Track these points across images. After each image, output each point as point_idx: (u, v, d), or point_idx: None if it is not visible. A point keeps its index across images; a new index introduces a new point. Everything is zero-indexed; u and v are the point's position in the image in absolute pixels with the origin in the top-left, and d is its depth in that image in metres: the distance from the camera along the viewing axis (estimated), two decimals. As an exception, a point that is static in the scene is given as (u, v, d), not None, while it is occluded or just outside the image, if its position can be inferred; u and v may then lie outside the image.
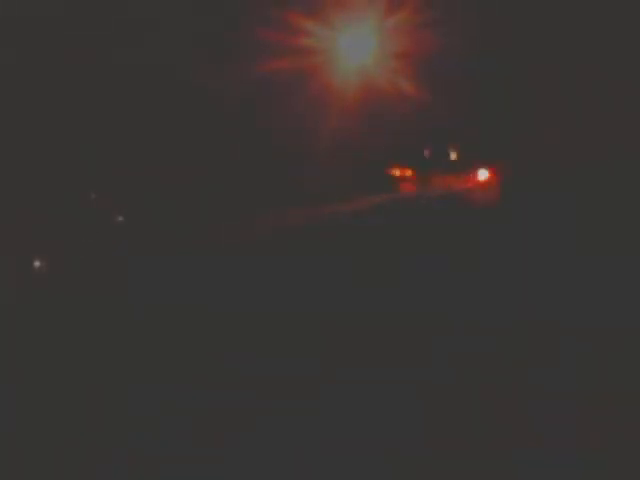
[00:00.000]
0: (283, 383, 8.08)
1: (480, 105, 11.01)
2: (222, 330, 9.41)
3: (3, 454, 7.02)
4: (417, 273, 10.24)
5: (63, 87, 10.86)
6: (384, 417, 7.37)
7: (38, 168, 10.82)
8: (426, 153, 11.97)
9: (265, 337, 9.22)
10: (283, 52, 10.46)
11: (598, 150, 10.73)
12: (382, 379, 8.06)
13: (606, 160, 10.72)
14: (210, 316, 9.66)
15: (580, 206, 10.57)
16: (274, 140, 11.16)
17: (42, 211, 10.66)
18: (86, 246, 10.75)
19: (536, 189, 10.90)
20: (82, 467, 6.84)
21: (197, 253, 10.82)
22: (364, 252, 10.74)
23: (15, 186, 10.71)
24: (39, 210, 10.64)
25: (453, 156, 11.95)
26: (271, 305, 9.90)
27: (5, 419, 7.57)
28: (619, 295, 9.38)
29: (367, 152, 11.34)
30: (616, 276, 9.69)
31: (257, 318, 9.58)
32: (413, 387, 7.85)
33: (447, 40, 10.53)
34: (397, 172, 11.97)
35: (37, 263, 10.72)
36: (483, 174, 11.74)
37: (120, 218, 11.22)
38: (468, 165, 11.83)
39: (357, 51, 10.91)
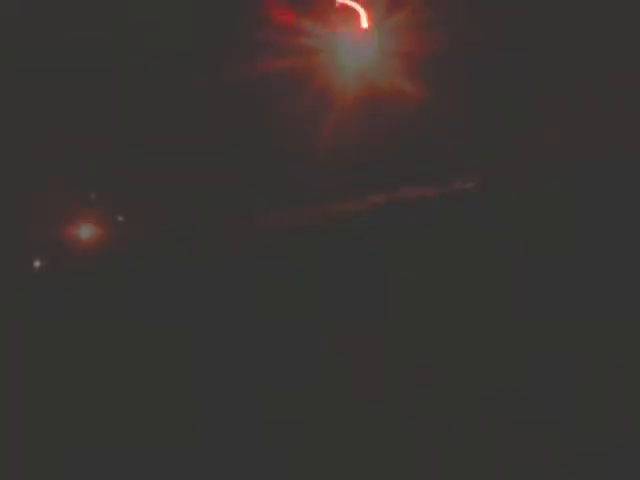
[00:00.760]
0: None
1: (480, 105, 11.02)
2: (221, 335, 9.42)
3: (3, 454, 7.03)
4: (417, 273, 10.24)
5: (63, 87, 10.87)
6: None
7: (38, 168, 10.83)
8: (425, 153, 11.96)
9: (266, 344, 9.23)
10: (283, 52, 10.47)
11: (598, 150, 10.74)
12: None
13: (606, 160, 10.72)
14: (210, 319, 9.67)
15: (580, 206, 10.57)
16: (274, 140, 11.16)
17: (42, 211, 10.66)
18: (86, 246, 10.76)
19: (536, 189, 10.90)
20: (82, 467, 6.85)
21: (197, 253, 10.82)
22: (364, 252, 10.74)
23: (15, 186, 10.72)
24: (39, 210, 10.65)
25: (453, 156, 11.95)
26: (272, 307, 9.91)
27: (5, 419, 7.57)
28: (619, 295, 9.38)
29: (367, 152, 11.35)
30: (616, 276, 9.69)
31: (257, 322, 9.59)
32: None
33: (447, 40, 10.54)
34: (397, 171, 11.97)
35: (37, 263, 10.72)
36: (483, 174, 11.74)
37: (120, 218, 11.21)
38: (468, 165, 11.83)
39: (357, 51, 10.92)
